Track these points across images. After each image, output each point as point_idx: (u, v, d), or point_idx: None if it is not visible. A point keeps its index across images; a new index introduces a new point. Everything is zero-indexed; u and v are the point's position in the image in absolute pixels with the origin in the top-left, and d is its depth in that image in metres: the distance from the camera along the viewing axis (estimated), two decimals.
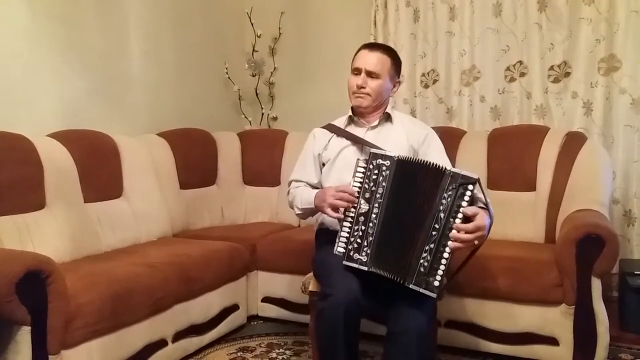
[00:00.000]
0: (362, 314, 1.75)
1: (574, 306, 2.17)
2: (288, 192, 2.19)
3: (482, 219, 1.64)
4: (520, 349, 2.31)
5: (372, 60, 2.02)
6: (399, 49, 3.47)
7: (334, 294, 1.68)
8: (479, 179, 1.62)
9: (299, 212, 2.09)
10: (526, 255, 2.36)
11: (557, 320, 2.22)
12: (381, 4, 3.51)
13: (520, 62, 3.18)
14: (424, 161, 1.73)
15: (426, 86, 3.45)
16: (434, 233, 1.63)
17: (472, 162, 2.85)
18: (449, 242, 1.61)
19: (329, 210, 1.83)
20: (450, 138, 2.92)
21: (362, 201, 1.75)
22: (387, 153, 1.77)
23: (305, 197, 2.03)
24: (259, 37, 3.86)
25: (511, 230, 2.74)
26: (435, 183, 1.64)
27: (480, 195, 1.72)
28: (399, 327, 1.68)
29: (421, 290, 1.62)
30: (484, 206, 1.73)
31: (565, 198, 2.61)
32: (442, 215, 1.62)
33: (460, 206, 1.61)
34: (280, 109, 3.99)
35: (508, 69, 3.21)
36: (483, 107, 3.28)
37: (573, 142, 2.74)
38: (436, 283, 1.61)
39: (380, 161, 1.74)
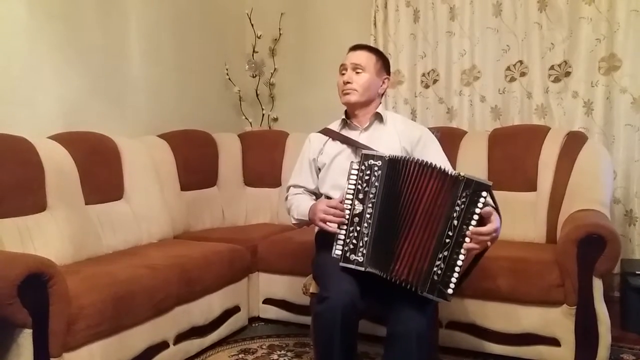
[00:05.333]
0: (359, 316, 1.74)
1: (575, 306, 2.17)
2: (286, 198, 2.18)
3: (496, 221, 1.65)
4: (521, 349, 2.31)
5: (357, 56, 2.05)
6: (399, 49, 3.48)
7: (330, 296, 1.68)
8: (492, 185, 1.61)
9: (295, 222, 2.09)
10: (527, 256, 2.36)
11: (558, 320, 2.22)
12: (381, 5, 3.51)
13: (521, 62, 3.18)
14: (415, 160, 1.73)
15: (426, 86, 3.44)
16: (447, 240, 1.61)
17: (473, 162, 2.85)
18: (462, 250, 1.60)
19: (321, 224, 1.85)
20: (451, 138, 2.93)
21: (356, 202, 1.75)
22: (379, 153, 1.78)
23: (301, 208, 2.03)
24: (259, 38, 3.86)
25: (512, 230, 2.73)
26: (445, 188, 1.63)
27: (490, 200, 1.71)
28: (398, 329, 1.68)
29: (434, 298, 1.62)
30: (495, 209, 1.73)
31: (566, 198, 2.60)
32: (455, 222, 1.61)
33: (474, 213, 1.59)
34: (281, 109, 3.99)
35: (508, 68, 3.21)
36: (483, 107, 3.28)
37: (574, 142, 2.73)
38: (450, 291, 1.61)
39: (371, 162, 1.75)
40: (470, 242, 1.61)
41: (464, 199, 1.60)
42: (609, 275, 2.59)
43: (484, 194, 1.59)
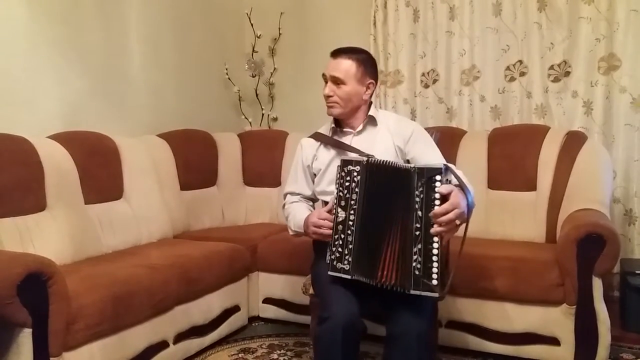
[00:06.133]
0: (360, 335, 1.72)
1: (575, 306, 2.18)
2: (283, 206, 2.16)
3: (456, 196, 1.63)
4: (521, 349, 2.31)
5: (335, 66, 1.97)
6: (399, 49, 3.48)
7: (331, 317, 1.66)
8: (445, 166, 1.64)
9: (292, 233, 2.08)
10: (527, 255, 2.36)
11: (558, 320, 2.22)
12: (381, 4, 3.51)
13: (520, 62, 3.18)
14: (390, 162, 1.73)
15: (426, 86, 3.44)
16: (417, 233, 1.62)
17: (473, 162, 2.85)
18: (434, 238, 1.60)
19: (315, 237, 1.86)
20: (451, 138, 2.93)
21: (339, 209, 1.75)
22: (357, 158, 1.77)
23: (297, 219, 2.01)
24: (258, 37, 3.86)
25: (512, 230, 2.74)
26: (405, 183, 1.65)
27: (454, 180, 1.71)
28: (398, 329, 1.68)
29: (422, 293, 1.61)
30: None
31: (566, 197, 2.61)
32: (419, 213, 1.62)
33: (434, 198, 1.61)
34: (281, 109, 3.99)
35: (508, 68, 3.21)
36: (483, 107, 3.28)
37: (573, 142, 2.73)
38: (434, 282, 1.59)
39: (350, 167, 1.74)
40: (437, 225, 1.60)
41: (421, 189, 1.63)
42: (608, 275, 2.59)
43: (438, 177, 1.61)
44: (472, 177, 1.76)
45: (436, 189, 1.61)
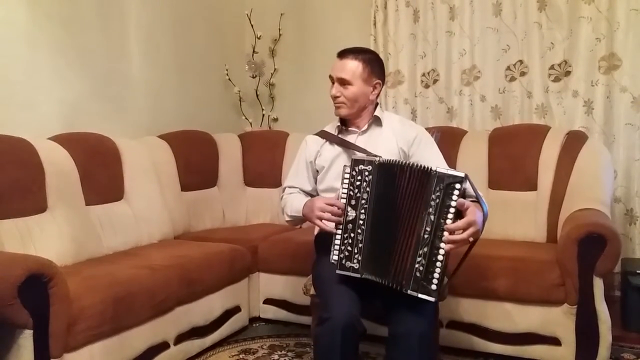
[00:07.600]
0: (360, 337, 1.72)
1: (576, 306, 2.17)
2: (281, 198, 2.17)
3: (473, 214, 1.61)
4: (522, 349, 2.31)
5: (341, 67, 1.98)
6: (399, 49, 3.48)
7: (331, 317, 1.66)
8: (466, 175, 1.61)
9: (288, 219, 2.08)
10: (528, 255, 2.36)
11: (559, 320, 2.22)
12: (381, 5, 3.51)
13: (521, 62, 3.18)
14: (405, 163, 1.72)
15: (427, 86, 3.44)
16: (426, 236, 1.61)
17: (473, 162, 2.85)
18: (442, 244, 1.59)
19: (317, 222, 1.84)
20: (451, 138, 2.94)
21: (349, 208, 1.75)
22: (369, 158, 1.77)
23: (295, 204, 2.01)
24: (259, 38, 3.87)
25: (512, 230, 2.74)
26: (422, 185, 1.63)
27: (471, 191, 1.70)
28: (400, 330, 1.68)
29: (419, 295, 1.61)
30: (476, 200, 1.71)
31: (567, 197, 2.61)
32: (432, 217, 1.61)
33: (449, 206, 1.59)
34: (281, 110, 3.99)
35: (508, 68, 3.21)
36: (483, 107, 3.28)
37: (574, 141, 2.73)
38: (433, 287, 1.59)
39: (362, 167, 1.74)
40: (449, 243, 1.59)
41: (438, 193, 1.60)
42: (609, 275, 2.59)
43: (457, 186, 1.58)
44: (473, 177, 1.74)
45: (453, 198, 1.58)
